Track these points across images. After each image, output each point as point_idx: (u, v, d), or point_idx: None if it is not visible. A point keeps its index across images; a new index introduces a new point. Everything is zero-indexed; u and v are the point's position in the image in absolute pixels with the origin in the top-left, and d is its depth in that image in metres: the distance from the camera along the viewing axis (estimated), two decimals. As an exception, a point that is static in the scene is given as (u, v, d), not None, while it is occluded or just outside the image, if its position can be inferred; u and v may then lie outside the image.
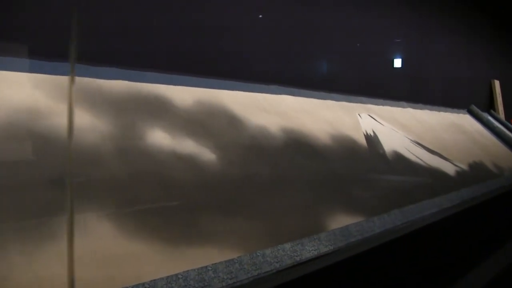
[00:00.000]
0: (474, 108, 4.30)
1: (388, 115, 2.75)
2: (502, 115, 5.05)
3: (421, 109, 3.35)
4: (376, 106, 2.74)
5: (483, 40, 4.97)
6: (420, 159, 2.40)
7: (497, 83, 5.14)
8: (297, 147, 1.73)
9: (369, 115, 2.54)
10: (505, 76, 5.40)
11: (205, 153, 1.40)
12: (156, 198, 1.13)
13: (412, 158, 2.35)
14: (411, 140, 2.58)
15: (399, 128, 2.66)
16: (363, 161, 1.98)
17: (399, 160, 2.23)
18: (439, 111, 3.65)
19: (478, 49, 4.87)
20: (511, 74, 5.63)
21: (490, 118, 4.40)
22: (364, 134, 2.24)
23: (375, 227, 1.55)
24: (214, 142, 1.47)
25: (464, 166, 2.75)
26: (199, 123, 1.53)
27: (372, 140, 2.24)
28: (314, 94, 2.29)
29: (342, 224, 1.44)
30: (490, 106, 5.08)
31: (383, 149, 2.22)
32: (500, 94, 5.15)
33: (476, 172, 2.80)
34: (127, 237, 0.97)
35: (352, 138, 2.10)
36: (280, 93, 2.07)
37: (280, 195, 1.42)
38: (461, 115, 4.05)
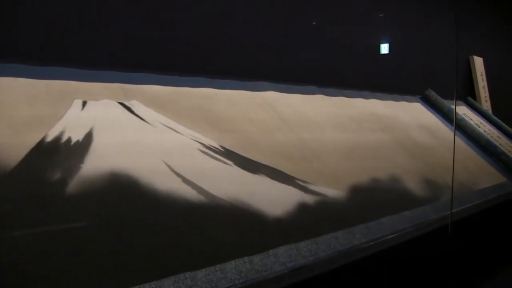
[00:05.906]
0: (431, 93, 2.98)
1: (189, 103, 1.54)
2: (486, 103, 3.66)
3: (306, 93, 2.10)
4: (171, 88, 1.55)
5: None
6: (192, 189, 1.18)
7: (478, 61, 3.76)
8: None
9: (123, 103, 1.35)
10: (491, 51, 4.00)
11: None
12: None
13: (164, 188, 1.13)
14: (206, 146, 1.37)
15: (200, 125, 1.45)
16: None
17: (112, 190, 1.02)
18: (356, 96, 2.38)
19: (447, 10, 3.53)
20: (500, 49, 4.22)
21: (455, 107, 3.06)
22: (44, 139, 1.06)
23: None
24: None
25: (336, 192, 1.49)
26: None
27: (61, 149, 1.05)
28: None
29: None
30: (469, 91, 3.72)
31: (79, 165, 1.03)
32: (484, 75, 3.76)
33: (359, 203, 1.53)
34: None
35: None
36: None
37: None
38: (403, 103, 2.74)
